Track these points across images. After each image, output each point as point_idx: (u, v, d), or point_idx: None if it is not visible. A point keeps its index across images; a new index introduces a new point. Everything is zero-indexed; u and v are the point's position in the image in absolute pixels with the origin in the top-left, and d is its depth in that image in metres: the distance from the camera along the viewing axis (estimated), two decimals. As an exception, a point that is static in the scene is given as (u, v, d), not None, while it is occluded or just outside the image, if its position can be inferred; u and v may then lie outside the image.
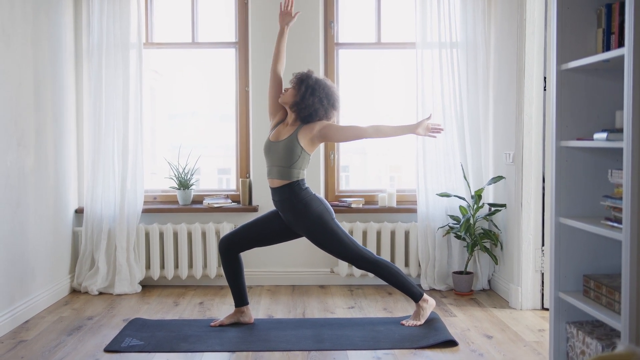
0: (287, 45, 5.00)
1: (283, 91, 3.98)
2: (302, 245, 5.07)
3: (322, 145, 5.19)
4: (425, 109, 4.98)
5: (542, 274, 4.45)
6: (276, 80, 4.07)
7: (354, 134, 3.91)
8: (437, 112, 4.98)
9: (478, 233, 4.85)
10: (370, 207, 5.16)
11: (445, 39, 4.98)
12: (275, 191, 3.91)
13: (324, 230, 3.89)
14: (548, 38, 4.27)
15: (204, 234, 5.13)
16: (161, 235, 5.12)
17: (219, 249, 4.04)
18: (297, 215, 3.88)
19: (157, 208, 5.15)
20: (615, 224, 2.63)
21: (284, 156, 3.85)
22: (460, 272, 4.92)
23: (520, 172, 4.44)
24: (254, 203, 5.19)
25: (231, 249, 4.00)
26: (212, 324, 4.04)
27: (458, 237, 4.87)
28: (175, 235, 5.13)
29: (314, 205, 3.87)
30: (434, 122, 4.05)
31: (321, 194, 5.18)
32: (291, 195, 3.86)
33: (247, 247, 4.04)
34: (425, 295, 4.04)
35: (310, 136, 3.86)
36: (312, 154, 3.94)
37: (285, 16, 4.07)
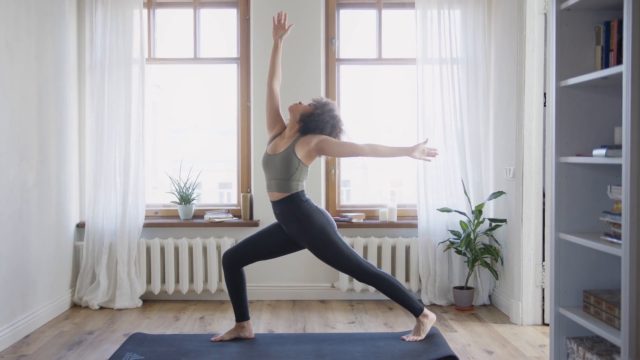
0: (289, 61, 5.07)
1: (299, 103, 4.00)
2: (302, 260, 5.08)
3: (322, 161, 5.22)
4: (425, 124, 5.01)
5: (543, 289, 4.45)
6: (273, 95, 4.10)
7: (349, 150, 3.92)
8: (437, 128, 5.01)
9: (479, 248, 4.86)
10: (371, 222, 5.17)
11: (446, 55, 5.01)
12: (276, 204, 3.93)
13: (326, 242, 3.89)
14: (548, 55, 4.30)
15: (205, 249, 5.13)
16: (162, 249, 5.13)
17: (222, 263, 4.04)
18: (300, 227, 3.89)
19: (159, 222, 5.16)
20: (615, 240, 2.64)
21: (281, 169, 3.86)
22: (461, 287, 4.92)
23: (520, 188, 4.45)
24: (255, 218, 5.20)
25: (235, 263, 4.00)
26: (213, 339, 4.04)
27: (459, 252, 4.88)
28: (176, 249, 5.14)
29: (316, 217, 3.88)
30: (430, 147, 4.06)
31: (322, 209, 5.19)
32: (292, 207, 3.87)
33: (250, 261, 4.04)
34: (425, 310, 4.04)
35: (307, 149, 3.87)
36: (310, 166, 3.95)
37: (279, 29, 4.10)
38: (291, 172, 3.85)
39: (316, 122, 3.88)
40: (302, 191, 3.90)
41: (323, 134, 3.90)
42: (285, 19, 4.09)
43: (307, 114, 3.91)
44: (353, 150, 3.92)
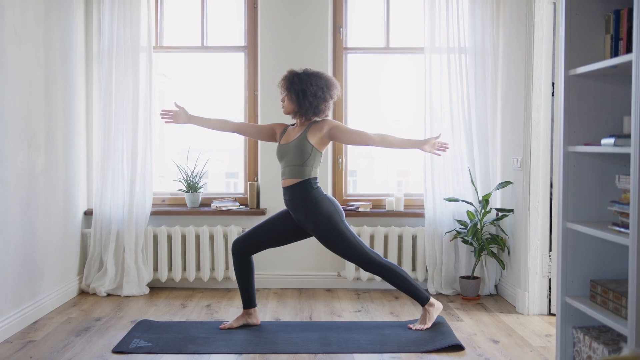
0: (297, 49, 5.10)
1: (281, 101, 4.01)
2: (309, 249, 5.09)
3: (329, 150, 5.22)
4: (433, 114, 4.99)
5: (549, 279, 4.45)
6: (245, 128, 4.23)
7: (360, 139, 3.95)
8: (445, 117, 5.00)
9: (485, 238, 4.85)
10: (378, 211, 5.17)
11: (454, 44, 4.99)
12: (287, 190, 3.94)
13: (333, 230, 3.91)
14: (556, 44, 4.28)
15: (211, 237, 5.15)
16: (169, 237, 5.15)
17: (232, 251, 4.07)
18: (308, 214, 3.90)
19: (166, 210, 5.18)
20: (622, 229, 2.64)
21: (295, 155, 3.89)
22: (468, 277, 4.92)
23: (528, 177, 4.44)
24: (262, 206, 5.21)
25: (244, 251, 4.03)
26: (222, 326, 4.06)
27: (465, 241, 4.87)
28: (183, 237, 5.15)
29: (325, 205, 3.89)
30: (442, 141, 4.06)
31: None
32: (302, 193, 3.88)
33: (260, 249, 4.07)
34: (432, 299, 4.05)
35: (319, 135, 3.90)
36: (323, 152, 3.97)
37: (178, 118, 4.11)
38: (304, 158, 3.87)
39: (309, 110, 3.90)
40: (315, 178, 3.92)
41: (324, 109, 3.92)
42: (168, 112, 4.11)
43: (296, 112, 3.93)
44: (363, 139, 3.94)
